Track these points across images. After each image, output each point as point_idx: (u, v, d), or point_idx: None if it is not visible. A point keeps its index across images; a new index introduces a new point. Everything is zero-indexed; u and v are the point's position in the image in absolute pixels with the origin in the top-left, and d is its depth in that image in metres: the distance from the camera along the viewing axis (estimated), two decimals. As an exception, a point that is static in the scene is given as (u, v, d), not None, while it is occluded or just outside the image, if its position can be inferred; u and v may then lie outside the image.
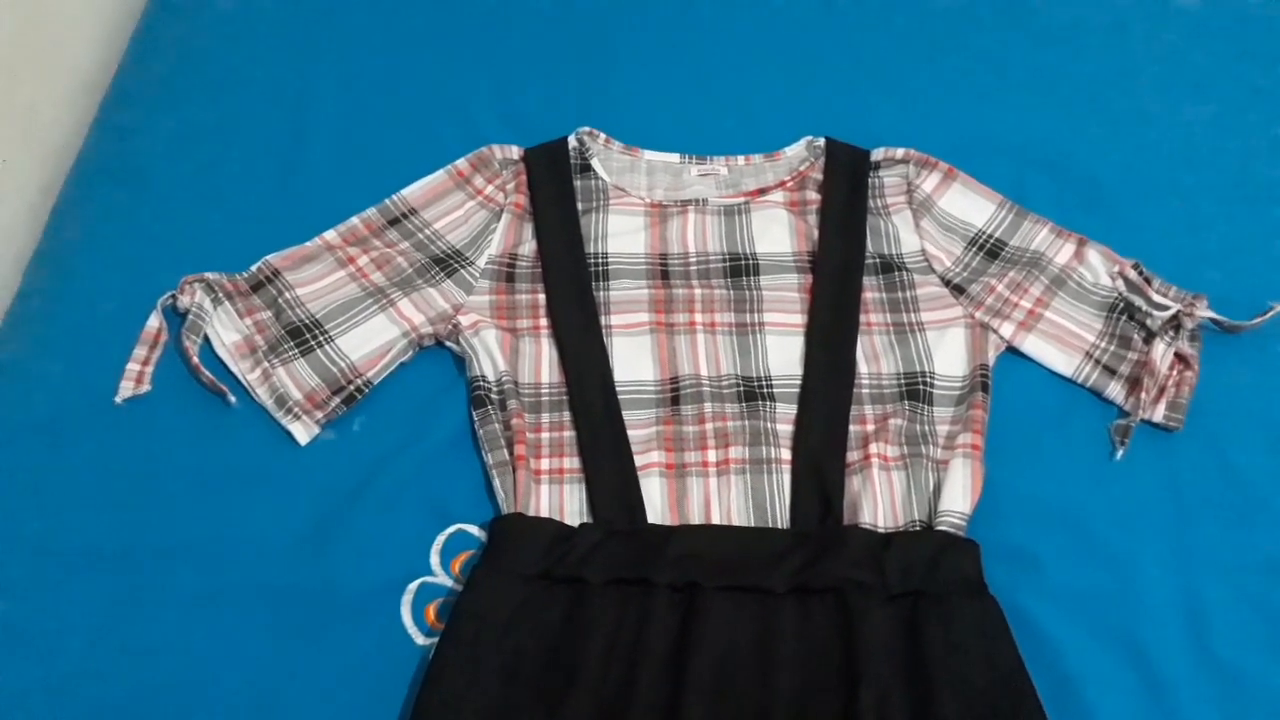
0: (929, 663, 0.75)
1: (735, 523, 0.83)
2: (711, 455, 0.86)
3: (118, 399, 0.89)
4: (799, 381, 0.89)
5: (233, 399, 0.88)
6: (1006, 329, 0.92)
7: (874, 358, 0.91)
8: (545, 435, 0.87)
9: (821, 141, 1.03)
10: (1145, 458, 0.87)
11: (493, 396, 0.88)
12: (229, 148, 1.05)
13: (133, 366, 0.90)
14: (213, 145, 1.05)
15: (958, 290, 0.94)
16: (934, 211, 0.99)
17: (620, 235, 0.98)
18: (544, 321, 0.93)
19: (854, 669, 0.74)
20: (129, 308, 0.93)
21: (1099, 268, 0.95)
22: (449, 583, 0.81)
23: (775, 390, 0.89)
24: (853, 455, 0.86)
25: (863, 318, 0.93)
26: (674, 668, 0.75)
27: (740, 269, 0.96)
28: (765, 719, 0.73)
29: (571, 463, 0.86)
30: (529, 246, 0.97)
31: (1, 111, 1.01)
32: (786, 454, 0.86)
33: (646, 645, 0.76)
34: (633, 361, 0.91)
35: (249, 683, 0.76)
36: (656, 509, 0.84)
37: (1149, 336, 0.91)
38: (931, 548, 0.80)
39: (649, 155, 1.03)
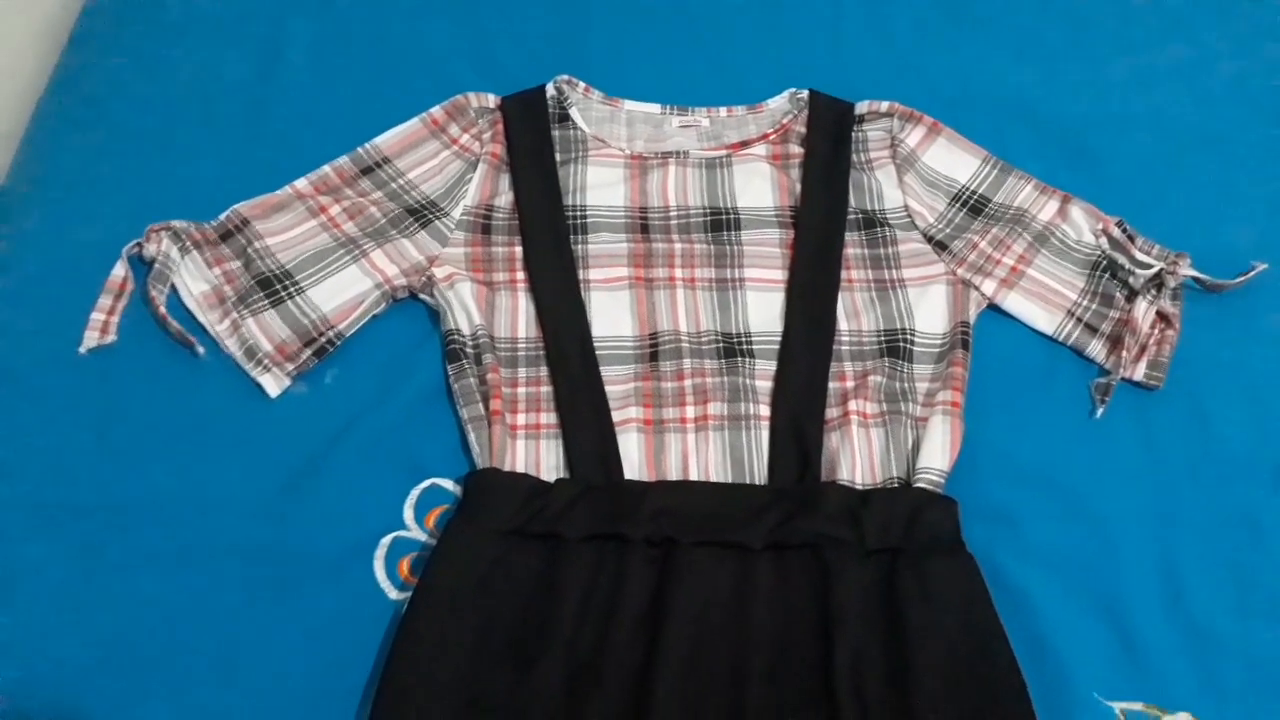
0: (905, 619, 0.75)
1: (713, 479, 0.82)
2: (690, 411, 0.85)
3: (82, 349, 0.87)
4: (779, 338, 0.89)
5: (201, 350, 0.86)
6: (988, 286, 0.91)
7: (854, 314, 0.90)
8: (522, 390, 0.86)
9: (805, 94, 1.01)
10: (1125, 416, 0.87)
11: (468, 350, 0.86)
12: (197, 93, 1.02)
13: (97, 316, 0.87)
14: (180, 90, 1.02)
15: (940, 247, 0.93)
16: (917, 166, 0.97)
17: (599, 187, 0.96)
18: (521, 275, 0.91)
19: (830, 625, 0.74)
20: (94, 257, 0.90)
21: (1082, 225, 0.94)
22: (423, 537, 0.80)
23: (755, 347, 0.88)
24: (832, 412, 0.85)
25: (844, 274, 0.92)
26: (650, 623, 0.75)
27: (721, 223, 0.95)
28: (741, 675, 0.73)
29: (548, 418, 0.85)
30: (506, 198, 0.95)
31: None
32: (765, 410, 0.85)
33: (622, 601, 0.75)
34: (611, 317, 0.89)
35: (220, 637, 0.76)
36: (634, 465, 0.83)
37: (1131, 295, 0.90)
38: (909, 505, 0.79)
39: (629, 105, 1.01)
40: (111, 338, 0.87)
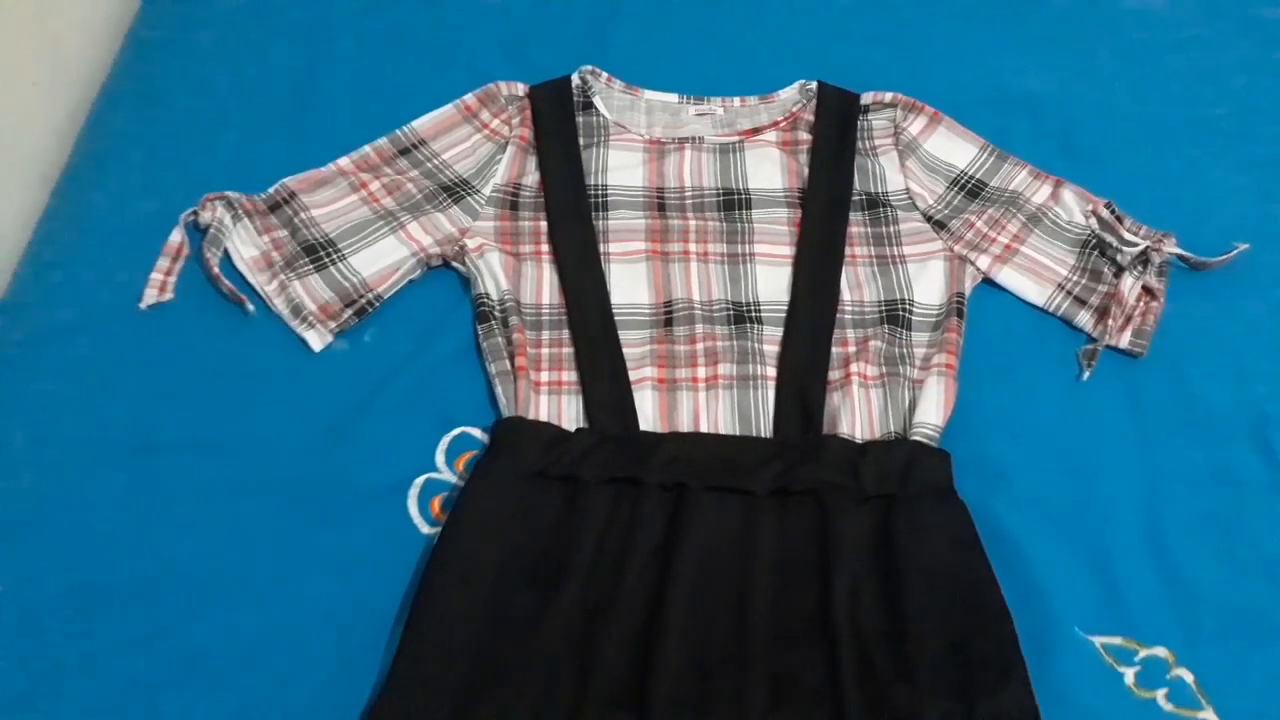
0: (899, 558, 0.80)
1: (722, 432, 0.88)
2: (701, 371, 0.91)
3: (142, 305, 0.93)
4: (785, 307, 0.94)
5: (251, 308, 0.93)
6: (983, 261, 0.97)
7: (857, 286, 0.96)
8: (545, 351, 0.92)
9: (814, 85, 1.07)
10: (1111, 380, 0.92)
11: (496, 313, 0.93)
12: (248, 79, 1.10)
13: (156, 276, 0.94)
14: (232, 77, 1.10)
15: (939, 226, 0.99)
16: (919, 153, 1.03)
17: (619, 169, 1.02)
18: (545, 247, 0.97)
19: (829, 561, 0.79)
20: (153, 225, 0.97)
21: (1074, 206, 1.00)
22: (453, 479, 0.86)
23: (763, 314, 0.94)
24: (834, 374, 0.91)
25: (848, 250, 0.97)
26: (661, 560, 0.80)
27: (733, 203, 1.01)
28: (745, 608, 0.78)
29: (569, 376, 0.90)
30: (532, 177, 1.02)
31: (32, 41, 1.06)
32: (772, 371, 0.91)
33: (636, 538, 0.81)
34: (629, 286, 0.95)
35: (266, 564, 0.81)
36: (648, 418, 0.89)
37: (1119, 271, 0.96)
38: (905, 455, 0.85)
39: (649, 95, 1.08)
40: (169, 296, 0.94)
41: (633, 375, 0.90)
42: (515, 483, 0.83)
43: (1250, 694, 0.78)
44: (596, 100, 1.06)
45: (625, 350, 0.91)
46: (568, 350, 0.92)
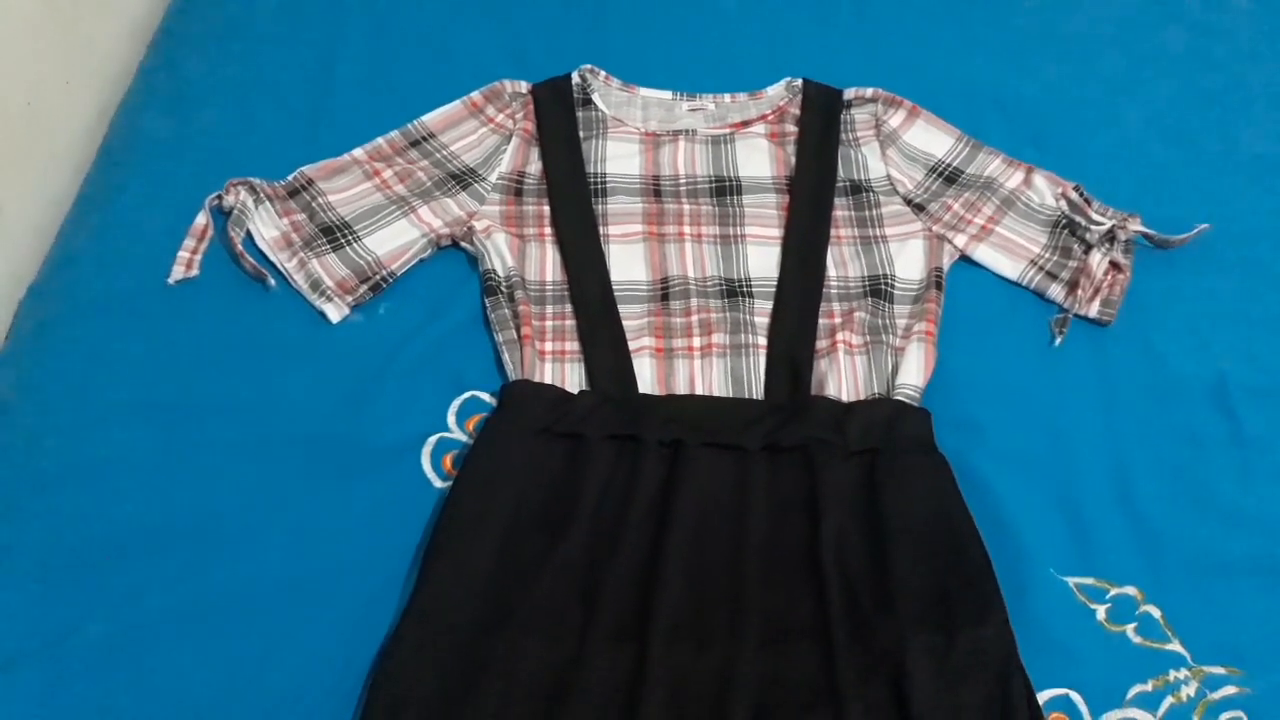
0: (883, 505, 0.85)
1: (716, 395, 0.94)
2: (696, 341, 0.97)
3: (170, 280, 0.99)
4: (775, 283, 1.00)
5: (272, 282, 0.99)
6: (960, 240, 1.03)
7: (842, 264, 1.02)
8: (549, 323, 0.97)
9: (799, 82, 1.14)
10: (1081, 346, 0.98)
11: (503, 288, 0.98)
12: (267, 78, 1.15)
13: (183, 254, 1.00)
14: (252, 77, 1.16)
15: (918, 208, 1.05)
16: (899, 143, 1.10)
17: (617, 159, 1.09)
18: (549, 230, 1.03)
19: (816, 510, 0.84)
20: (176, 212, 1.02)
21: (1045, 190, 1.07)
22: (464, 439, 0.91)
23: (754, 289, 1.00)
24: (821, 343, 0.96)
25: (833, 231, 1.04)
26: (660, 509, 0.85)
27: (725, 189, 1.07)
28: (739, 552, 0.83)
29: (572, 346, 0.96)
30: (535, 166, 1.08)
31: (65, 43, 1.12)
32: (763, 341, 0.97)
33: (637, 489, 0.86)
34: (628, 264, 1.01)
35: (288, 517, 0.86)
36: (647, 383, 0.94)
37: (1088, 248, 1.02)
38: (888, 412, 0.90)
39: (644, 92, 1.14)
40: (195, 272, 1.00)
41: (631, 345, 0.96)
42: (522, 439, 0.88)
43: (1212, 627, 0.83)
44: (595, 96, 1.13)
45: (625, 323, 0.97)
46: (570, 322, 0.97)
